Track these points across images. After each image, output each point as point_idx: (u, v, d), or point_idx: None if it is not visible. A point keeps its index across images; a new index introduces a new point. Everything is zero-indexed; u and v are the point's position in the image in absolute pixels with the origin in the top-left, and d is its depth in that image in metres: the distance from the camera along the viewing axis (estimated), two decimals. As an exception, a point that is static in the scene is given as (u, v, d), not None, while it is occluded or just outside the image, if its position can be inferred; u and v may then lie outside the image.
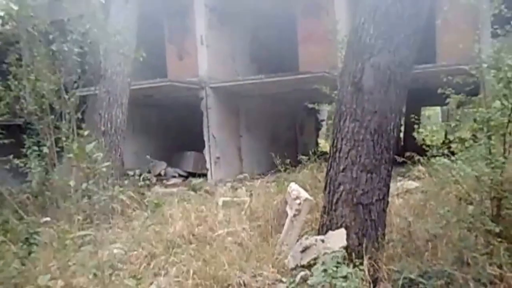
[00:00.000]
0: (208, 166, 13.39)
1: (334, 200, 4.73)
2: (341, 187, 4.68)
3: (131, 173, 13.88)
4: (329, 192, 4.83)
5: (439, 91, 5.33)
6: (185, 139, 16.07)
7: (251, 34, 15.35)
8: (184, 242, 5.73)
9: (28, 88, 8.74)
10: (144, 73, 14.60)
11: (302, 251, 4.65)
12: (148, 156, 13.19)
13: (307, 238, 4.79)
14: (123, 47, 8.25)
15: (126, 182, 13.20)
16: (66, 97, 7.90)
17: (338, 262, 4.02)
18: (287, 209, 6.39)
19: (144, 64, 14.85)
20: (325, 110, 20.44)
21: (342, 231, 4.48)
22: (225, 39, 14.15)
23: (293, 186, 6.47)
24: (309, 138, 18.32)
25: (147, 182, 13.45)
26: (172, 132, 16.14)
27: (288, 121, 17.14)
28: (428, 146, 4.93)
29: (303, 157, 8.98)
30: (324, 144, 19.10)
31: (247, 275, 4.48)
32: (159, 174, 14.55)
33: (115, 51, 8.28)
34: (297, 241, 5.69)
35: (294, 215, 5.82)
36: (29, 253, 5.35)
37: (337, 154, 4.75)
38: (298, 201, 5.86)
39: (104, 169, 3.97)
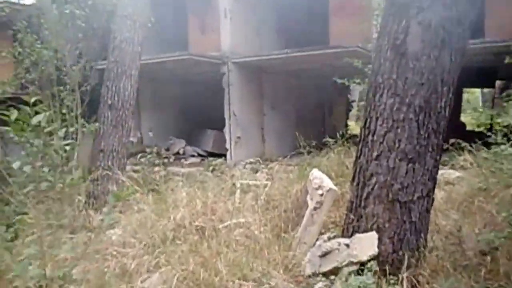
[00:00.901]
0: (228, 146, 12.49)
1: (364, 195, 3.70)
2: (374, 179, 3.65)
3: (148, 150, 13.22)
4: (357, 184, 3.80)
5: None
6: (206, 117, 15.16)
7: (277, 6, 14.16)
8: (184, 234, 4.84)
9: (33, 56, 8.00)
10: (163, 46, 13.76)
11: (322, 256, 3.67)
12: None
13: (328, 239, 3.80)
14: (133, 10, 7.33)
15: (142, 160, 12.56)
16: (73, 67, 7.11)
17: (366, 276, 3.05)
18: (308, 199, 5.42)
19: (164, 37, 14.07)
20: (356, 91, 19.19)
21: (373, 235, 3.47)
22: (250, 11, 13.03)
23: (316, 173, 5.46)
24: (338, 119, 17.11)
25: (164, 160, 12.76)
26: (192, 109, 15.24)
27: (316, 100, 15.96)
28: (480, 132, 3.84)
29: (330, 139, 7.90)
30: (354, 127, 17.84)
31: (249, 283, 3.55)
32: (178, 153, 13.75)
33: (123, 15, 7.37)
34: (317, 239, 4.73)
35: (315, 208, 4.83)
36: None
37: (370, 137, 3.70)
38: (320, 192, 4.86)
39: (64, 149, 3.03)
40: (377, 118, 3.66)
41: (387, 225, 3.56)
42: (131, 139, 13.84)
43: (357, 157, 3.88)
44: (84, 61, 7.62)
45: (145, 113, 14.05)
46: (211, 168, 11.85)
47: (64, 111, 6.96)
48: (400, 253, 3.53)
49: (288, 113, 14.38)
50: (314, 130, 15.94)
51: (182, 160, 13.23)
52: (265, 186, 9.21)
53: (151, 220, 5.09)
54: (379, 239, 3.46)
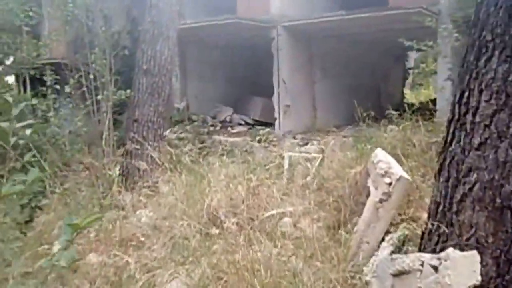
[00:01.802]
0: (276, 114, 11.51)
1: (458, 196, 2.66)
2: (473, 176, 2.59)
3: (195, 117, 12.49)
4: (447, 181, 2.75)
5: None
6: (253, 84, 14.20)
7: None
8: (217, 225, 4.01)
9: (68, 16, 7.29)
10: (210, 9, 12.77)
11: (396, 275, 2.72)
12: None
13: (405, 253, 2.83)
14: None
15: (188, 127, 11.86)
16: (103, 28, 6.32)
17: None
18: (370, 185, 4.42)
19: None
20: (411, 59, 17.46)
21: (473, 255, 2.45)
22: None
23: (380, 154, 4.42)
24: (394, 88, 15.64)
25: (210, 129, 11.98)
26: (239, 76, 14.29)
27: (370, 67, 14.55)
28: None
29: (393, 111, 6.74)
30: (410, 96, 16.30)
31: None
32: (224, 121, 12.94)
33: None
34: (382, 239, 3.75)
35: (381, 200, 3.82)
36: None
37: (469, 117, 2.63)
38: (387, 180, 3.84)
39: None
40: (481, 91, 2.57)
41: (491, 239, 2.52)
42: (177, 105, 13.21)
43: (447, 143, 2.82)
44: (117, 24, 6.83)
45: (191, 79, 13.25)
46: (258, 138, 11.00)
47: (92, 75, 6.24)
48: (508, 277, 2.51)
49: (341, 80, 13.12)
50: (369, 99, 14.53)
51: (229, 129, 12.42)
52: (317, 160, 8.26)
53: (179, 208, 4.28)
54: (482, 261, 2.45)
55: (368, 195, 4.31)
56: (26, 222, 4.29)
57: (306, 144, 11.00)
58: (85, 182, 5.82)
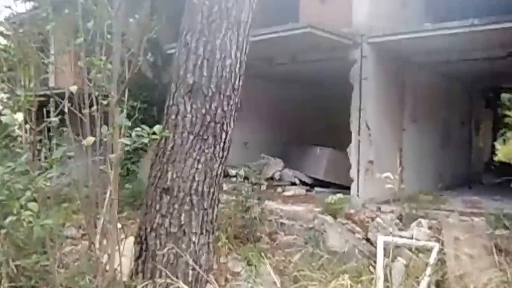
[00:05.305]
0: (353, 174, 7.87)
1: None
2: None
3: (233, 172, 8.83)
4: None
5: None
6: (311, 128, 10.66)
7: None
8: None
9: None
10: (262, 17, 9.41)
11: None
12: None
13: None
14: None
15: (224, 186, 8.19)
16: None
17: None
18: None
19: (262, 5, 9.66)
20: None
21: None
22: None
23: None
24: (485, 139, 12.03)
25: (257, 188, 8.23)
26: (293, 117, 10.77)
27: (462, 113, 11.04)
28: None
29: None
30: (503, 150, 12.65)
31: None
32: (272, 178, 9.30)
33: None
34: None
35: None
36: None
37: None
38: None
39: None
40: None
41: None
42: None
43: None
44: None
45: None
46: (330, 208, 7.32)
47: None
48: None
49: (430, 128, 9.58)
50: (460, 154, 11.03)
51: (279, 189, 8.75)
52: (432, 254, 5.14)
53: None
54: None
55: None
56: None
57: (406, 222, 7.27)
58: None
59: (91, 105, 3.00)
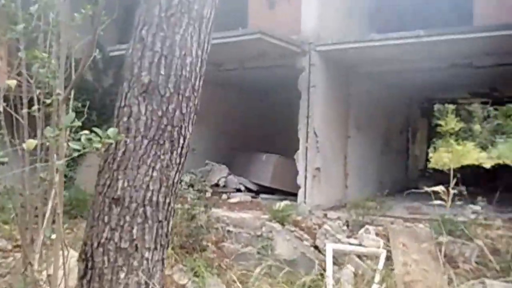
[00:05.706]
0: (300, 180, 7.83)
1: None
2: None
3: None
4: None
5: None
6: (258, 134, 10.56)
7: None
8: None
9: None
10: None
11: None
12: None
13: None
14: None
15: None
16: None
17: None
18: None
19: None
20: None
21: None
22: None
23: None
24: (421, 148, 12.54)
25: (202, 195, 7.94)
26: (239, 123, 10.60)
27: (401, 121, 11.42)
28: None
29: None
30: (437, 159, 13.22)
31: None
32: (217, 184, 9.06)
33: None
34: None
35: None
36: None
37: None
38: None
39: None
40: None
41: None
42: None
43: None
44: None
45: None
46: (277, 215, 7.21)
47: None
48: None
49: (371, 135, 9.80)
50: (398, 162, 11.41)
51: (224, 196, 8.53)
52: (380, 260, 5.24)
53: None
54: None
55: None
56: None
57: (353, 229, 7.32)
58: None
59: (31, 104, 2.65)
